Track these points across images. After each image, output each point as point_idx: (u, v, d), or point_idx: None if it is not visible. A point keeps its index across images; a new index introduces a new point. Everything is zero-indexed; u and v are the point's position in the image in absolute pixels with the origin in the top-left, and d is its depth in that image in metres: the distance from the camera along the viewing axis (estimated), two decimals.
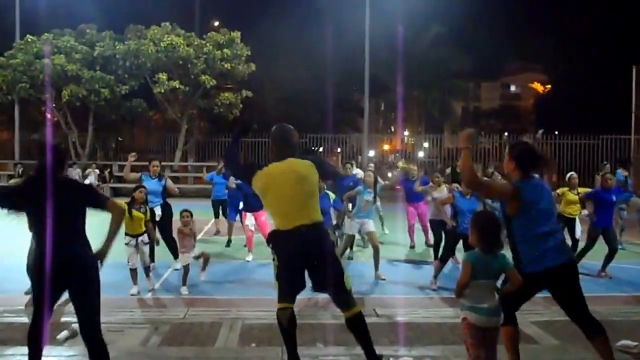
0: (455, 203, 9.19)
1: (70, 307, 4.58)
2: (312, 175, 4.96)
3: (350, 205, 10.50)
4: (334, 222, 10.52)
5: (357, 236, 10.92)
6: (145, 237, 8.70)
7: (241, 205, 11.83)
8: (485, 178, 11.25)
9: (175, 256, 9.94)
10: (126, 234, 8.56)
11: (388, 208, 15.23)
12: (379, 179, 11.63)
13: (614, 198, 10.46)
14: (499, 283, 4.54)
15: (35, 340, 4.47)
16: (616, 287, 9.54)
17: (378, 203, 12.06)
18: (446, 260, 9.33)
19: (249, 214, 11.13)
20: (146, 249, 8.67)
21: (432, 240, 10.88)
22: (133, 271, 8.54)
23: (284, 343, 5.00)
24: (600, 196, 10.39)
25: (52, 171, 4.57)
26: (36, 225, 4.52)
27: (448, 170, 19.41)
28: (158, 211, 10.23)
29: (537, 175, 4.91)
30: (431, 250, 11.17)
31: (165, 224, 10.17)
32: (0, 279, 9.16)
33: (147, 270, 8.69)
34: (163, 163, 17.36)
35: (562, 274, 4.68)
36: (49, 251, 4.37)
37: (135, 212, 8.58)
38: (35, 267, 4.46)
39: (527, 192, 4.67)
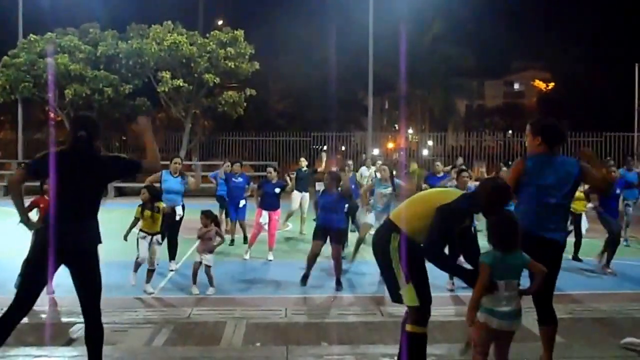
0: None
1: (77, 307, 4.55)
2: None
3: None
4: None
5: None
6: (159, 237, 8.65)
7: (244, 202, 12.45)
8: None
9: (172, 257, 9.95)
10: (141, 230, 8.54)
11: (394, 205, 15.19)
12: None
13: (618, 191, 10.51)
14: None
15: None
16: (620, 284, 9.54)
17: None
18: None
19: (264, 212, 11.30)
20: (158, 249, 8.63)
21: None
22: (137, 265, 8.46)
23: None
24: None
25: (87, 145, 4.49)
26: (56, 197, 4.40)
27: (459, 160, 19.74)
28: (179, 211, 10.03)
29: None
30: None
31: (176, 224, 9.97)
32: (9, 279, 9.13)
33: (151, 272, 8.49)
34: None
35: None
36: (59, 225, 4.32)
37: (146, 212, 8.52)
38: (42, 241, 4.35)
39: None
